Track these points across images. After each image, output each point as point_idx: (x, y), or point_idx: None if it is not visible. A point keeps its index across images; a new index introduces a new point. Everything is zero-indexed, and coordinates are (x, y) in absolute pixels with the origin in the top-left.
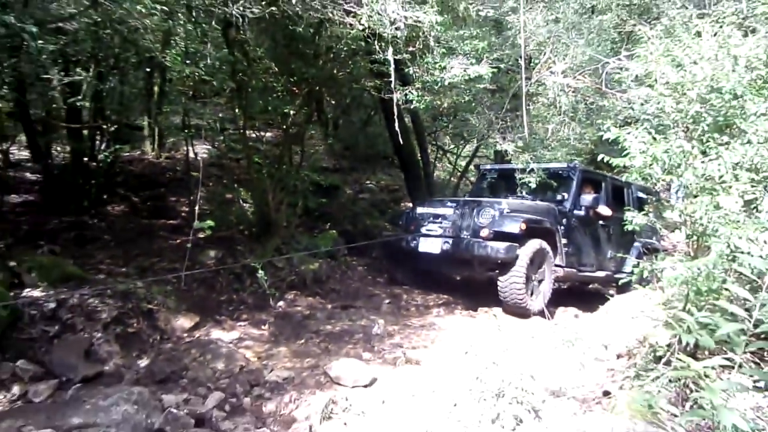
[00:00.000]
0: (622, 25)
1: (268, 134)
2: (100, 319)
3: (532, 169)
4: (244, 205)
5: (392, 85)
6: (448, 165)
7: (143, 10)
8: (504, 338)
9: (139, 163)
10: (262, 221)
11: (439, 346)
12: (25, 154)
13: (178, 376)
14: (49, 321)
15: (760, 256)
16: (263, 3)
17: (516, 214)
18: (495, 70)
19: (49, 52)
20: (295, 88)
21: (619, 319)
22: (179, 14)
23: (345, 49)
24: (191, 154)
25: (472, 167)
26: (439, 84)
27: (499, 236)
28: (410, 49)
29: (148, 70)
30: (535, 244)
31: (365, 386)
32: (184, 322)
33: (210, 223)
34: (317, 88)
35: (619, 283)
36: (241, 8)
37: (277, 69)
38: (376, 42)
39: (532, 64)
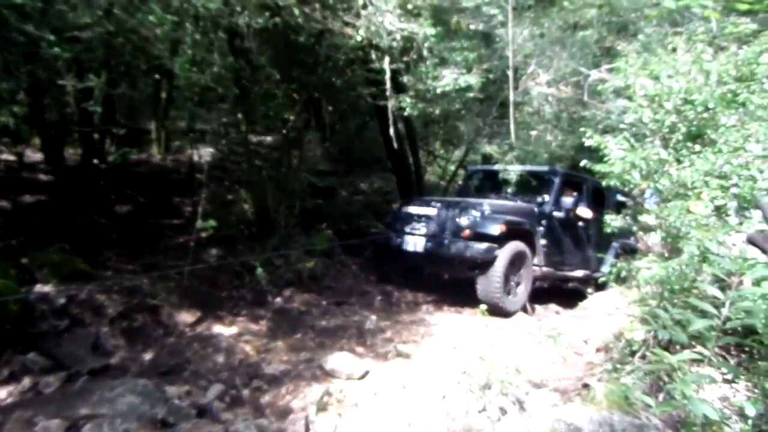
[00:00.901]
0: (603, 40)
1: (269, 138)
2: (107, 314)
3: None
4: (245, 205)
5: (387, 93)
6: (438, 169)
7: (154, 20)
8: (490, 334)
9: (146, 165)
10: (262, 221)
11: (429, 341)
12: (38, 156)
13: (180, 368)
14: (58, 316)
15: (729, 258)
16: (267, 14)
17: (496, 216)
18: (484, 80)
19: (64, 60)
20: (295, 95)
21: (597, 316)
22: (187, 24)
23: (343, 58)
24: (195, 157)
25: (461, 171)
26: (432, 92)
27: (480, 237)
28: (405, 59)
29: (156, 77)
30: (514, 245)
31: (358, 379)
32: (186, 317)
33: (212, 222)
34: (316, 95)
35: (598, 281)
36: (246, 19)
37: (278, 77)
38: (372, 52)
39: (518, 75)
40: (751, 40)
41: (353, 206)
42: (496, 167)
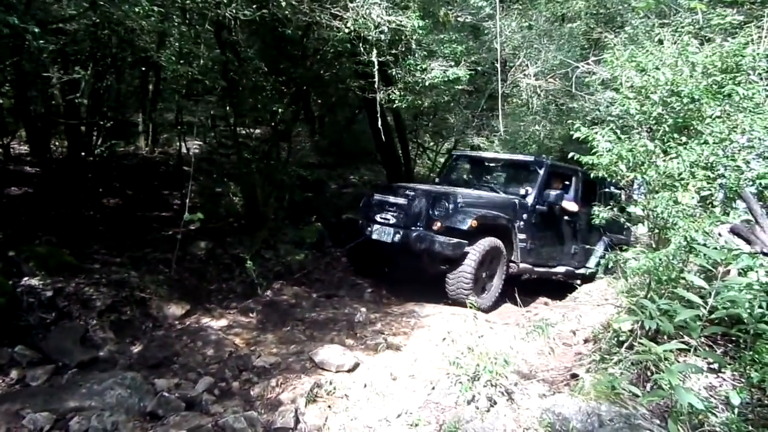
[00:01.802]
0: (590, 32)
1: (257, 131)
2: (95, 306)
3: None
4: (234, 198)
5: (376, 86)
6: (427, 161)
7: (140, 12)
8: (479, 325)
9: (133, 157)
10: (251, 214)
11: (418, 333)
12: (24, 148)
13: (169, 361)
14: (46, 308)
15: (714, 248)
16: (254, 6)
17: (470, 209)
18: (472, 72)
19: (50, 52)
20: (283, 88)
21: (586, 307)
22: (174, 16)
23: (331, 50)
24: (183, 150)
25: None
26: (420, 85)
27: (451, 231)
28: (393, 51)
29: (143, 69)
30: (487, 241)
31: (348, 371)
32: (175, 310)
33: (199, 215)
34: (304, 87)
35: (587, 274)
36: (233, 11)
37: (266, 69)
38: (361, 44)
39: (507, 67)
40: (737, 31)
41: (343, 199)
42: (481, 154)
